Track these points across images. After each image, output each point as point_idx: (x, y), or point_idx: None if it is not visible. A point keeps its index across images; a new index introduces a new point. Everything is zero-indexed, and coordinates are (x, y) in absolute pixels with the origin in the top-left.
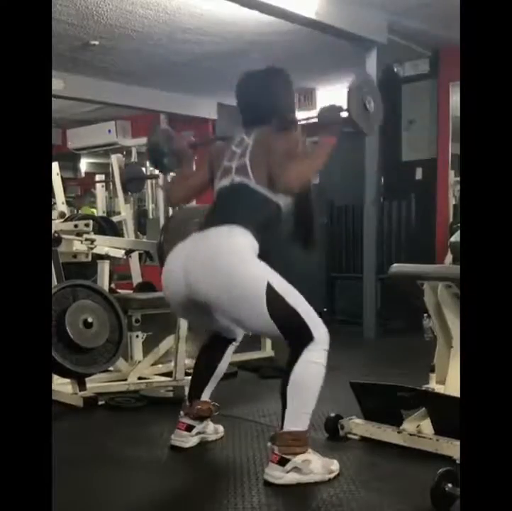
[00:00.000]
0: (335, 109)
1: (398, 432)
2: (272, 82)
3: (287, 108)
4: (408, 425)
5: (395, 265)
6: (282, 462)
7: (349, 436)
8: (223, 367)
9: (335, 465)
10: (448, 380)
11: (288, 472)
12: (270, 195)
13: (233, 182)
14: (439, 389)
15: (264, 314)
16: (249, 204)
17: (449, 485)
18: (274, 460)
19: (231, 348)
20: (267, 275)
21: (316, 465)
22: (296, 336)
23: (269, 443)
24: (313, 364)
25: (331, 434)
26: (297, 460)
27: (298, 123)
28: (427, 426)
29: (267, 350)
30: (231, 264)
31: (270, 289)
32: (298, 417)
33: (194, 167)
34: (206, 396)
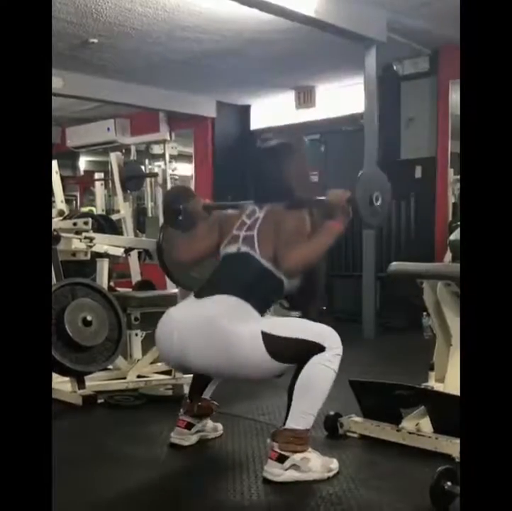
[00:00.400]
0: (342, 195)
1: (398, 430)
2: (285, 159)
3: (299, 185)
4: (408, 423)
5: (394, 263)
6: (281, 459)
7: (349, 434)
8: None
9: (334, 464)
10: (447, 378)
11: (286, 469)
12: (273, 270)
13: (239, 250)
14: (438, 387)
15: (269, 361)
16: (252, 275)
17: (449, 483)
18: (272, 457)
19: None
20: (261, 326)
21: (315, 464)
22: (308, 357)
23: (268, 440)
24: (322, 366)
25: (330, 432)
26: (296, 457)
27: (310, 201)
28: (426, 424)
29: None
30: (225, 328)
31: (266, 336)
32: (301, 416)
33: (204, 231)
34: (207, 394)
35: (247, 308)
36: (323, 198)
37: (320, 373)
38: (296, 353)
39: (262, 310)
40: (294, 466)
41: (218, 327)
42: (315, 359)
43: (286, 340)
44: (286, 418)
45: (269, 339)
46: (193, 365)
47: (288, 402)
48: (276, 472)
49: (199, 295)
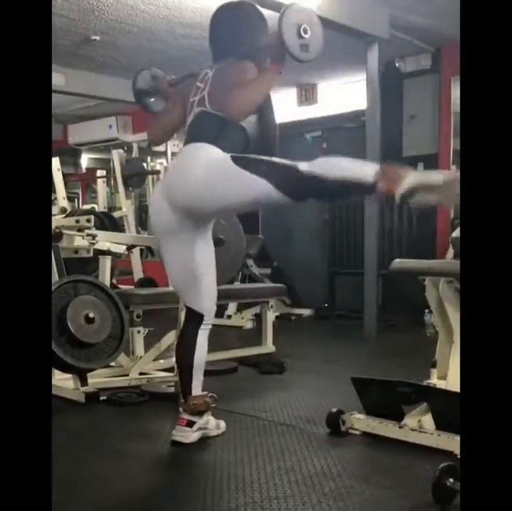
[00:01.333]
0: (275, 36)
1: (400, 427)
2: (239, 16)
3: (252, 43)
4: (410, 420)
5: (396, 260)
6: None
7: (351, 431)
8: (199, 358)
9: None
10: (450, 376)
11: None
12: (225, 116)
13: (195, 113)
14: (440, 384)
15: (238, 172)
16: (211, 126)
17: (451, 480)
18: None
19: (202, 335)
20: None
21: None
22: (281, 174)
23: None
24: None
25: (333, 429)
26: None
27: (258, 54)
28: (428, 421)
29: (268, 346)
30: (199, 157)
31: (235, 156)
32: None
33: (169, 106)
34: (196, 390)
35: (218, 150)
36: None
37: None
38: (266, 172)
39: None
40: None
41: (194, 163)
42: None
43: (257, 159)
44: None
45: (239, 158)
46: (176, 198)
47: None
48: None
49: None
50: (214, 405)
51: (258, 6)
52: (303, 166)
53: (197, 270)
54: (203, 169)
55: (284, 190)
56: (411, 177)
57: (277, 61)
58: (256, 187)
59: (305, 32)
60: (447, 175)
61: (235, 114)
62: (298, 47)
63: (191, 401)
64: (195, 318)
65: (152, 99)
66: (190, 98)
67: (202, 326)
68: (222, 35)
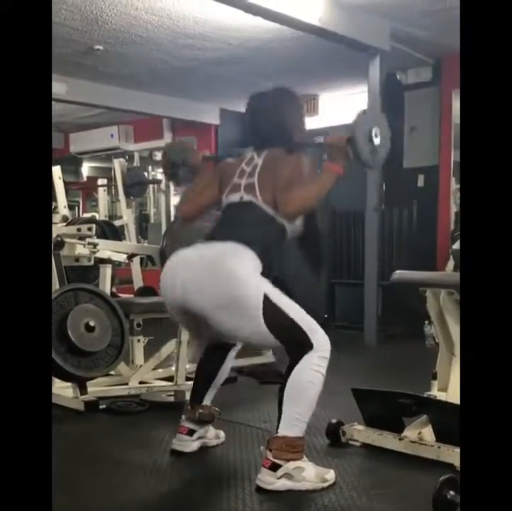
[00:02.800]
0: (341, 137)
1: (400, 439)
2: (281, 103)
3: (296, 129)
4: (410, 432)
5: (397, 272)
6: (274, 467)
7: (351, 442)
8: (224, 372)
9: (329, 475)
10: (450, 388)
11: (279, 478)
12: (274, 215)
13: (242, 199)
14: (441, 396)
15: (260, 326)
16: (256, 223)
17: (451, 492)
18: (265, 465)
19: (232, 353)
20: (265, 288)
21: (309, 473)
22: (295, 345)
23: (262, 448)
24: (311, 371)
25: (332, 440)
26: (289, 466)
27: (308, 143)
28: (428, 433)
29: (267, 356)
30: (230, 277)
31: (267, 301)
32: (294, 423)
33: (204, 182)
34: (207, 400)
35: (250, 253)
36: (321, 141)
37: (310, 378)
38: (284, 333)
39: (264, 258)
40: (287, 475)
41: (223, 267)
42: (304, 363)
43: (283, 315)
44: (278, 425)
45: (268, 304)
46: (193, 305)
47: (279, 409)
48: (269, 480)
49: (206, 242)
50: (217, 418)
51: (296, 92)
52: (314, 354)
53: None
54: (227, 300)
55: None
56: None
57: (339, 161)
58: (267, 341)
59: (376, 136)
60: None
61: (293, 213)
62: (368, 152)
63: (198, 409)
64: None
65: (181, 172)
66: (234, 178)
67: (234, 347)
68: (264, 120)
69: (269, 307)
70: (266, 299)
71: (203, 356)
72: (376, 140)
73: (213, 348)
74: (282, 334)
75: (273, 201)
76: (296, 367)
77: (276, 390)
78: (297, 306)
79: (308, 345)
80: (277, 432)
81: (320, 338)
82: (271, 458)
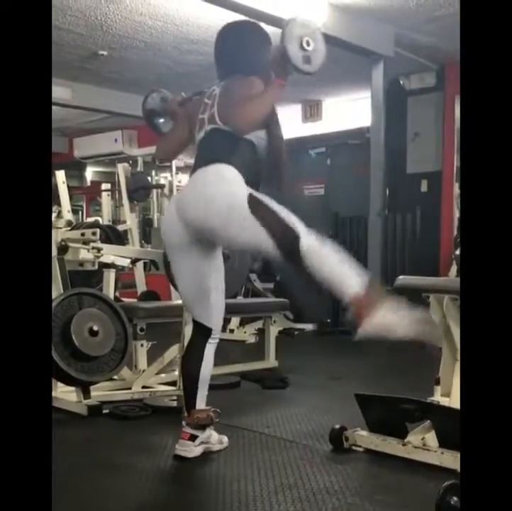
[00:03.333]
0: (278, 50)
1: (403, 444)
2: (244, 35)
3: (257, 59)
4: (413, 438)
5: (401, 277)
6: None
7: (354, 447)
8: (205, 371)
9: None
10: (453, 393)
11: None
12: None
13: (206, 130)
14: (444, 401)
15: (249, 219)
16: (224, 144)
17: (455, 498)
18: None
19: (210, 349)
20: (249, 190)
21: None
22: (282, 238)
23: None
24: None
25: (336, 446)
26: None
27: (263, 69)
28: (432, 438)
29: (270, 361)
30: (216, 185)
31: (252, 198)
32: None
33: (177, 124)
34: (200, 404)
35: (228, 167)
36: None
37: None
38: (273, 225)
39: (243, 170)
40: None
41: (209, 180)
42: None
43: (268, 209)
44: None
45: (254, 201)
46: (189, 219)
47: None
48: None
49: (192, 172)
50: (217, 420)
51: (261, 24)
52: (304, 241)
53: (207, 285)
54: (216, 202)
55: (281, 252)
56: (376, 319)
57: (281, 75)
58: (259, 238)
59: (308, 44)
60: (418, 316)
61: (243, 127)
62: (300, 58)
63: (195, 414)
64: (203, 332)
65: (162, 120)
66: (199, 115)
67: (210, 340)
68: (227, 52)
69: (255, 202)
70: (251, 197)
71: (183, 361)
72: (309, 48)
73: (190, 348)
74: (270, 229)
75: (231, 122)
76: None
77: (280, 395)
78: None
79: (295, 238)
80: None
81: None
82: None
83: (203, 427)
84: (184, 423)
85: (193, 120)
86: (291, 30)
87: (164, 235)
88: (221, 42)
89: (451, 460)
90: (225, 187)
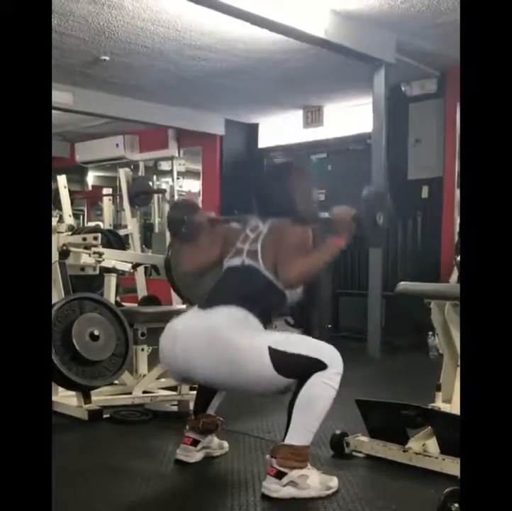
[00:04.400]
0: (347, 213)
1: (404, 451)
2: (288, 177)
3: (302, 203)
4: (414, 444)
5: (402, 283)
6: (279, 475)
7: (355, 453)
8: None
9: (333, 482)
10: (454, 399)
11: (284, 485)
12: (276, 282)
13: (243, 263)
14: (445, 408)
15: (274, 376)
16: (256, 287)
17: (456, 504)
18: (271, 473)
19: None
20: (267, 341)
21: (314, 481)
22: (310, 373)
23: (267, 456)
24: (323, 384)
25: (336, 451)
26: (294, 474)
27: (314, 218)
28: (432, 445)
29: None
30: (231, 340)
31: (273, 352)
32: (300, 432)
33: (208, 242)
34: (211, 410)
35: (251, 319)
36: (327, 215)
37: (321, 391)
38: (299, 369)
39: (266, 321)
40: (292, 483)
41: (223, 339)
42: (316, 377)
43: (291, 356)
44: (285, 434)
45: (274, 354)
46: (199, 376)
47: (288, 419)
48: (274, 488)
49: (203, 307)
50: (221, 428)
51: (304, 167)
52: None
53: None
54: (229, 361)
55: None
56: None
57: (343, 236)
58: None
59: (380, 219)
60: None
61: (292, 282)
62: (372, 232)
63: (202, 419)
64: None
65: (184, 230)
66: (237, 243)
67: None
68: (273, 194)
69: (277, 356)
70: (272, 351)
71: None
72: (380, 222)
73: None
74: (296, 372)
75: (274, 268)
76: (310, 380)
77: (281, 401)
78: (299, 338)
79: (321, 367)
80: (283, 440)
81: (331, 357)
82: (277, 466)
83: (206, 432)
84: (187, 427)
85: (228, 245)
86: (372, 205)
87: (164, 360)
88: (262, 182)
89: (452, 466)
90: (242, 343)
